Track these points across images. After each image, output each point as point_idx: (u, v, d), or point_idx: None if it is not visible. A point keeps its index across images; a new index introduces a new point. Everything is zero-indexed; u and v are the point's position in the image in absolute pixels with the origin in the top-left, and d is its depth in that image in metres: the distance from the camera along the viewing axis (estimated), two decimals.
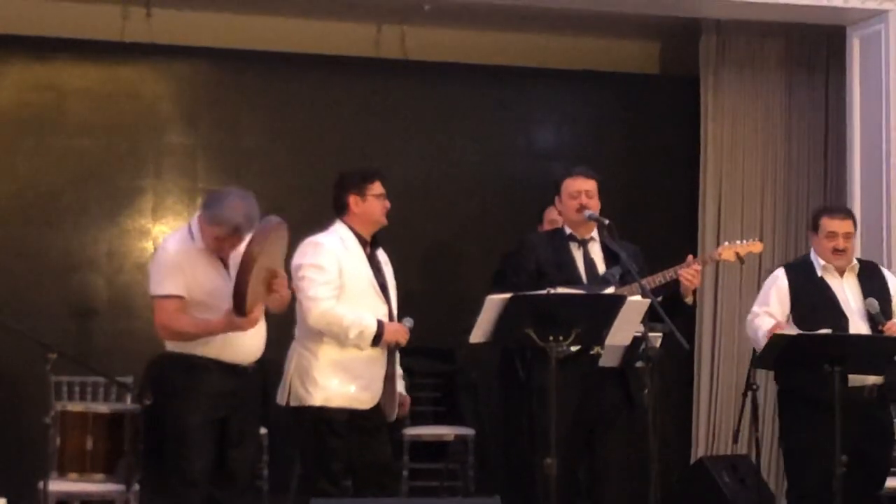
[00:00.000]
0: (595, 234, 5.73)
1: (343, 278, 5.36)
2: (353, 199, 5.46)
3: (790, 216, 7.95)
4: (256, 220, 5.07)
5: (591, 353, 5.44)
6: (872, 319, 5.59)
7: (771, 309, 5.69)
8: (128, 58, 7.57)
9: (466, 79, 7.99)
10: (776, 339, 5.42)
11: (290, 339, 5.48)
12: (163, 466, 5.28)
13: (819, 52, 7.98)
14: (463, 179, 7.98)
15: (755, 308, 5.78)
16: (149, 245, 7.49)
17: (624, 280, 5.52)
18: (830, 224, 5.74)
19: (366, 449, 5.44)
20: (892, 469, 5.95)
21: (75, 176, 7.47)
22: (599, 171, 5.84)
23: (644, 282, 5.36)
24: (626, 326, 5.10)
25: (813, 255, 5.81)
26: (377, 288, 5.45)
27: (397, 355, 5.54)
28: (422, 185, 7.81)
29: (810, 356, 5.33)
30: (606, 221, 5.53)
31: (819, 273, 5.73)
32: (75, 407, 5.91)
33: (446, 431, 7.32)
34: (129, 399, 6.31)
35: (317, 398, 5.33)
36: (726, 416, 7.69)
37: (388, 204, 5.50)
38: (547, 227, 6.56)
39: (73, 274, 7.44)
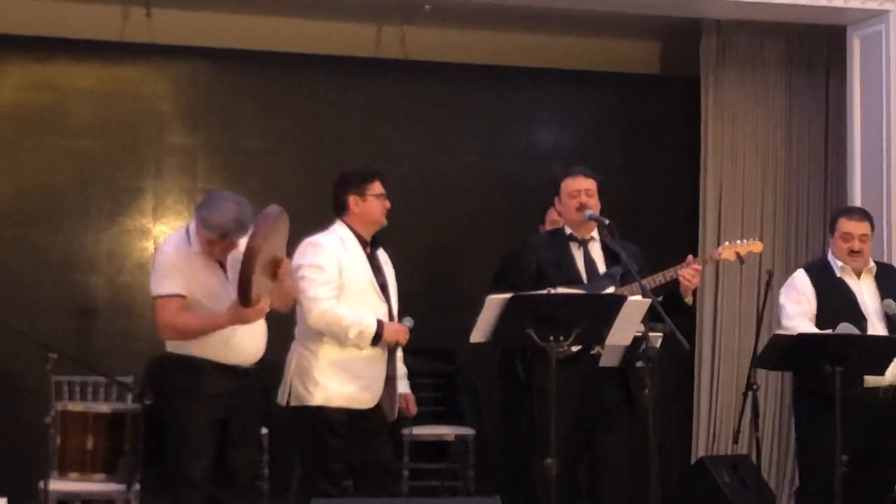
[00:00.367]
0: (595, 234, 5.72)
1: (343, 278, 5.36)
2: (353, 199, 5.46)
3: (790, 216, 7.94)
4: (249, 226, 5.05)
5: (592, 352, 5.45)
6: (890, 321, 5.62)
7: (804, 308, 5.69)
8: (128, 58, 7.57)
9: (467, 79, 7.99)
10: (777, 339, 5.42)
11: (290, 339, 5.48)
12: (163, 466, 5.28)
13: (819, 52, 7.98)
14: (463, 179, 7.98)
15: (790, 322, 5.73)
16: (149, 245, 7.49)
17: (624, 280, 5.52)
18: (846, 225, 5.77)
19: (366, 449, 5.44)
20: None
21: (76, 176, 7.47)
22: (599, 172, 5.84)
23: (644, 282, 5.36)
24: (627, 326, 5.09)
25: (831, 257, 5.84)
26: (377, 288, 5.45)
27: (399, 355, 5.54)
28: (422, 184, 7.81)
29: (811, 356, 5.33)
30: (607, 221, 5.52)
31: (838, 274, 5.76)
32: (76, 407, 5.92)
33: (447, 431, 7.32)
34: (129, 399, 6.32)
35: (317, 398, 5.33)
36: (727, 415, 7.68)
37: (388, 204, 5.50)
38: (549, 227, 6.55)
39: (73, 274, 7.44)
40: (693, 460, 7.57)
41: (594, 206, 5.67)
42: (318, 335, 5.34)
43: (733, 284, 7.78)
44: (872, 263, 5.82)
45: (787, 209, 7.95)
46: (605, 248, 5.70)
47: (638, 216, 7.52)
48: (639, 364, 5.36)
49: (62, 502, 5.97)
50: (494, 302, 4.88)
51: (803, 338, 5.40)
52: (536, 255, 5.67)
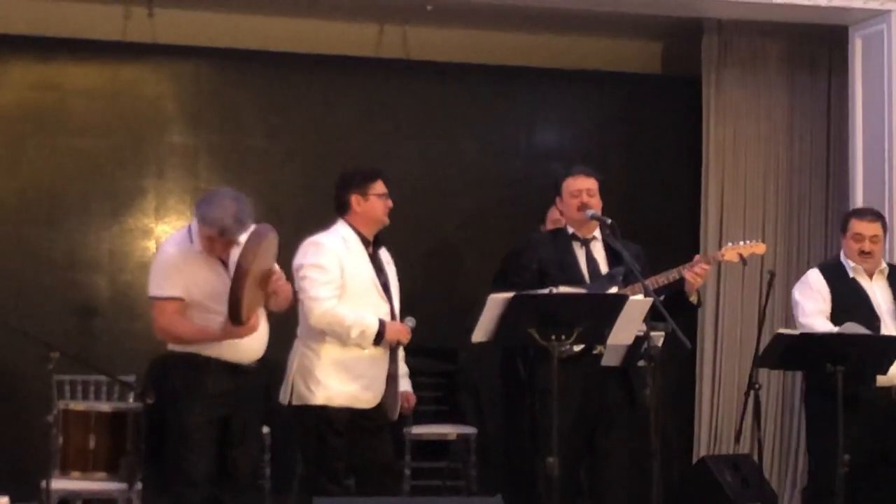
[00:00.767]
0: (597, 233, 5.72)
1: (344, 278, 5.36)
2: (355, 199, 5.46)
3: (792, 216, 7.94)
4: (247, 223, 5.06)
5: (594, 352, 5.44)
6: None
7: (820, 306, 5.70)
8: (130, 57, 7.57)
9: (468, 79, 7.99)
10: (779, 339, 5.42)
11: (292, 338, 5.48)
12: (165, 465, 5.28)
13: (821, 51, 7.97)
14: (464, 179, 7.98)
15: (807, 319, 5.71)
16: (151, 244, 7.49)
17: (627, 279, 5.52)
18: (858, 226, 5.79)
19: (368, 448, 5.44)
20: None
21: (77, 175, 7.47)
22: (601, 172, 5.84)
23: (647, 282, 5.35)
24: (628, 325, 5.09)
25: (843, 257, 5.85)
26: (379, 287, 5.44)
27: (401, 354, 5.54)
28: (423, 184, 7.80)
29: (813, 356, 5.34)
30: (608, 221, 5.52)
31: (851, 274, 5.77)
32: (78, 406, 5.90)
33: (448, 430, 7.32)
34: (131, 398, 6.33)
35: (319, 397, 5.33)
36: (728, 415, 7.68)
37: (390, 203, 5.50)
38: (550, 226, 6.55)
39: (75, 273, 7.45)
40: (695, 460, 7.56)
41: (595, 205, 5.66)
42: (321, 334, 5.34)
43: (735, 283, 7.78)
44: (885, 265, 5.83)
45: (789, 209, 7.94)
46: (608, 248, 5.70)
47: (639, 216, 7.52)
48: (640, 363, 5.38)
49: (64, 501, 5.96)
50: (496, 301, 4.88)
51: (805, 337, 5.41)
52: (539, 254, 5.67)
